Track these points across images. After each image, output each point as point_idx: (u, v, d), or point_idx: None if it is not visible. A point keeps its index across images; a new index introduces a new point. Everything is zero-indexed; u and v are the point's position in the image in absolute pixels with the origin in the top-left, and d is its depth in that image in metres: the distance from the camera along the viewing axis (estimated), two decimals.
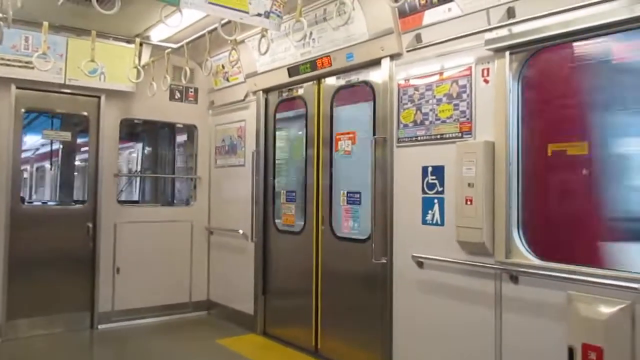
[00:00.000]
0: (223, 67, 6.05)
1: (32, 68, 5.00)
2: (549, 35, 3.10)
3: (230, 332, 5.74)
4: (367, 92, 4.48)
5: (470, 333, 3.56)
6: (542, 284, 3.14)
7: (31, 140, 7.90)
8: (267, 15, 3.42)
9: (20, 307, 5.41)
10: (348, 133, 4.72)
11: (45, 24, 4.46)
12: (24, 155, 5.93)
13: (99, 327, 5.82)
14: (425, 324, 3.88)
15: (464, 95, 3.63)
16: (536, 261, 3.25)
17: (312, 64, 4.81)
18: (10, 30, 4.43)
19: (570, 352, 2.86)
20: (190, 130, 6.74)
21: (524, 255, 3.30)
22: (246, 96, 5.91)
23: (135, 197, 7.85)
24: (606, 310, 2.78)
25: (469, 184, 3.45)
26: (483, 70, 3.52)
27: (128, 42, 5.64)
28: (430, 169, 3.85)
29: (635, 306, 2.71)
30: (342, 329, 4.69)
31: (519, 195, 3.37)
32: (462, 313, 3.62)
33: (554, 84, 3.53)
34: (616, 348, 2.72)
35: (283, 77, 5.21)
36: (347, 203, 4.67)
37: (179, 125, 7.03)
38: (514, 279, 3.30)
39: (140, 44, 5.46)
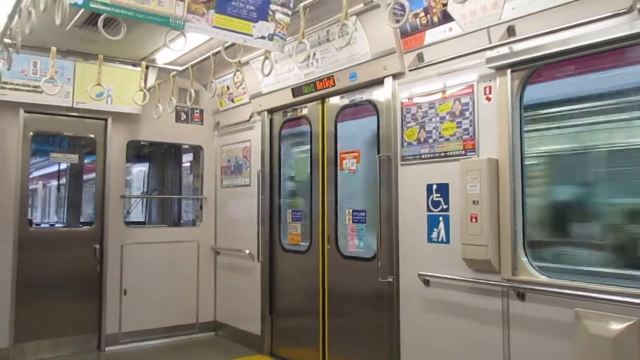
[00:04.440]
0: (228, 88, 6.11)
1: (40, 92, 5.08)
2: (549, 53, 3.13)
3: (238, 353, 5.70)
4: (370, 111, 4.52)
5: (478, 351, 3.53)
6: (549, 301, 3.13)
7: (39, 163, 7.97)
8: (270, 37, 3.46)
9: (27, 330, 5.42)
10: (353, 152, 4.74)
11: (53, 49, 4.53)
12: (32, 177, 5.98)
13: (107, 349, 5.81)
14: (433, 343, 3.85)
15: (467, 113, 3.65)
16: (543, 278, 3.23)
17: (314, 84, 4.86)
18: (19, 56, 4.52)
19: None
20: (196, 150, 6.79)
21: (531, 272, 3.28)
22: (251, 116, 5.95)
23: (142, 218, 7.88)
24: (614, 327, 2.75)
25: (473, 201, 3.45)
26: (485, 88, 3.54)
27: (134, 65, 5.73)
28: (434, 186, 3.85)
29: None
30: (350, 348, 4.65)
31: (524, 211, 3.37)
32: (470, 331, 3.59)
33: None
34: None
35: (287, 98, 5.26)
36: (353, 222, 4.67)
37: (185, 146, 7.08)
38: (521, 296, 3.28)
39: (146, 67, 5.54)
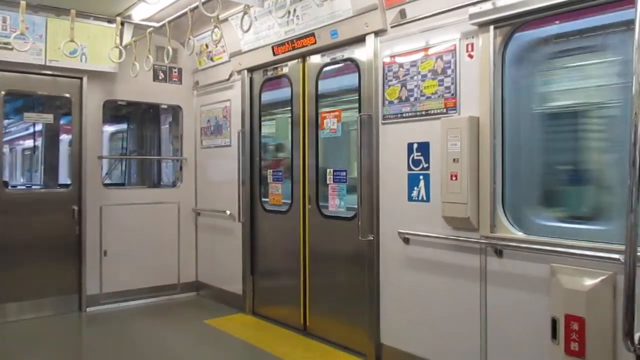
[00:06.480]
0: (207, 46, 5.97)
1: (11, 49, 4.91)
2: (532, 9, 3.09)
3: (219, 312, 5.76)
4: (352, 69, 4.46)
5: (456, 307, 3.60)
6: (526, 257, 3.19)
7: (13, 124, 7.77)
8: None
9: (8, 291, 5.39)
10: (333, 111, 4.70)
11: (23, 3, 4.36)
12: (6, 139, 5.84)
13: (88, 310, 5.81)
14: (412, 300, 3.92)
15: (449, 71, 3.62)
16: (520, 235, 3.28)
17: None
18: None
19: (554, 322, 2.91)
20: (175, 111, 6.67)
21: (508, 229, 3.33)
22: (231, 75, 5.84)
23: (121, 180, 7.77)
24: (588, 281, 2.82)
25: (454, 160, 3.46)
26: (467, 45, 3.50)
27: (109, 21, 5.54)
28: (415, 145, 3.85)
29: (617, 277, 2.75)
30: (330, 306, 4.72)
31: (503, 169, 3.39)
32: (449, 288, 3.65)
33: None
34: (598, 318, 2.77)
35: (267, 56, 5.16)
36: (334, 181, 4.67)
37: (163, 106, 6.95)
38: (499, 252, 3.34)
39: (122, 23, 5.37)
